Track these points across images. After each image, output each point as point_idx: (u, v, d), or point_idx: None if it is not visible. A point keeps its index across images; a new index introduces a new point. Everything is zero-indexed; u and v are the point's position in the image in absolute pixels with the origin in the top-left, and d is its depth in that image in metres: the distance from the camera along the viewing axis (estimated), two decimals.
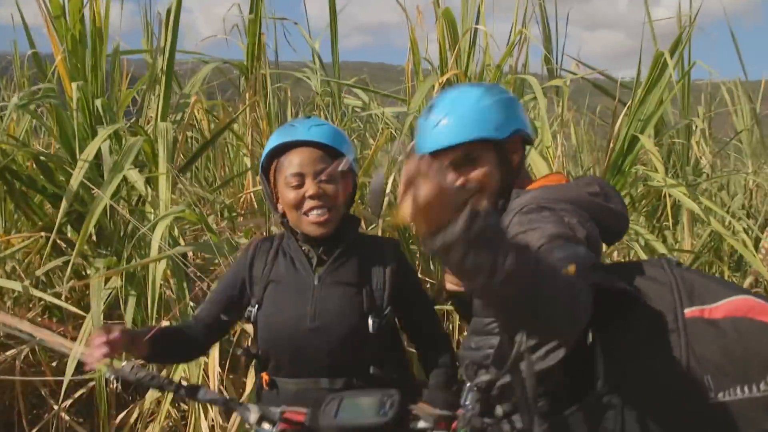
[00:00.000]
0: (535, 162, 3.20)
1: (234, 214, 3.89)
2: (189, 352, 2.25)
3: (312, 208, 1.98)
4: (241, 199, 4.14)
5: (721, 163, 6.29)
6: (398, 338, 2.23)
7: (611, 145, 3.89)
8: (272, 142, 2.05)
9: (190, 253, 3.52)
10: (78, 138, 3.33)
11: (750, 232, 4.18)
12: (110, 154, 3.25)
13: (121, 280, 3.12)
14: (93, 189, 3.15)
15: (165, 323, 3.37)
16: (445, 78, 3.51)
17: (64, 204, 3.02)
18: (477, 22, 3.82)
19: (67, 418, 3.41)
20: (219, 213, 4.19)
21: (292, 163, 2.00)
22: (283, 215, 2.08)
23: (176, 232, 3.28)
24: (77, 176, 3.03)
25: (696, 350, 1.51)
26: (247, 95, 3.98)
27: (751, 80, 6.31)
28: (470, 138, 1.77)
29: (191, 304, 3.11)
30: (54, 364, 3.61)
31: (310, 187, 1.97)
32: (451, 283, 1.96)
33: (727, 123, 6.35)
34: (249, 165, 4.32)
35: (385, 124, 4.30)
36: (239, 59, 4.13)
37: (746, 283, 4.42)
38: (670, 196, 3.84)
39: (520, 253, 1.22)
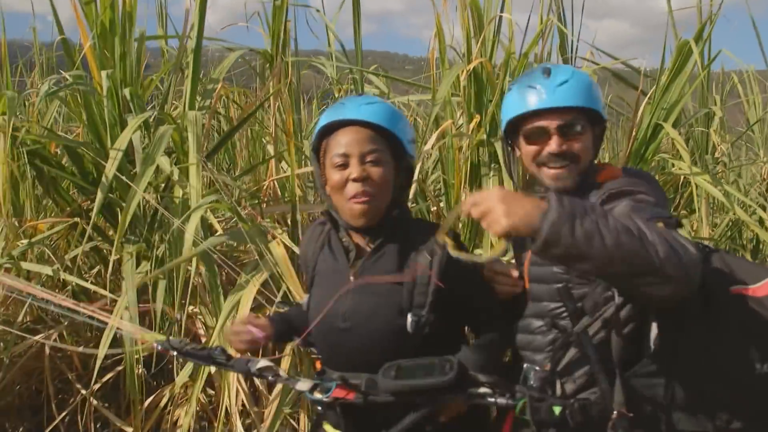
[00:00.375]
0: None
1: (257, 201, 3.90)
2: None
3: (355, 194, 1.86)
4: (264, 187, 4.15)
5: (733, 153, 6.30)
6: (455, 329, 2.07)
7: (633, 133, 3.91)
8: (321, 121, 1.95)
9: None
10: (108, 126, 3.35)
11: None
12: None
13: (151, 266, 3.13)
14: (122, 178, 3.16)
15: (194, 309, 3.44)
16: (471, 66, 3.52)
17: (99, 195, 3.03)
18: (501, 11, 3.83)
19: (95, 402, 3.44)
20: (239, 200, 4.21)
21: (339, 143, 1.89)
22: (330, 199, 1.96)
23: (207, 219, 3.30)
24: (111, 166, 3.04)
25: (743, 325, 1.63)
26: (271, 83, 3.99)
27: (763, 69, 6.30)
28: (589, 105, 1.86)
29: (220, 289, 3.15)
30: (80, 348, 3.63)
31: (354, 170, 1.85)
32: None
33: (739, 111, 6.37)
34: (272, 152, 4.35)
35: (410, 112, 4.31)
36: (254, 46, 4.17)
37: None
38: (692, 185, 3.85)
39: (614, 215, 1.43)
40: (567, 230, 1.41)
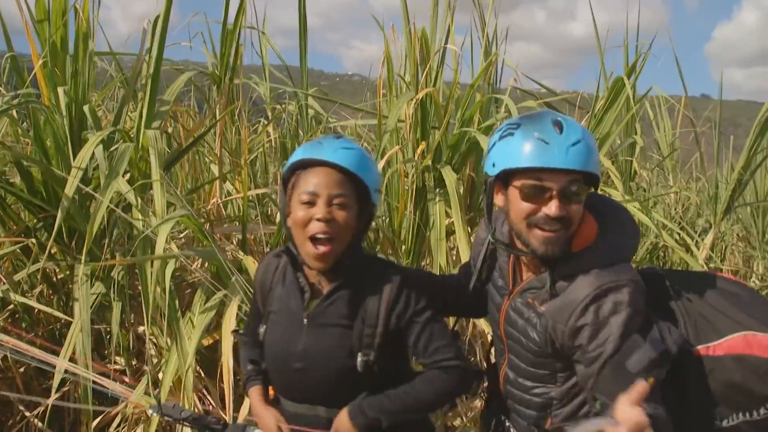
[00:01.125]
0: None
1: (206, 220, 3.92)
2: None
3: (317, 233, 1.89)
4: (209, 207, 4.17)
5: (649, 178, 6.67)
6: (402, 364, 2.11)
7: None
8: (296, 156, 1.98)
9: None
10: (58, 145, 3.33)
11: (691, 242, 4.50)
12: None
13: (114, 287, 3.13)
14: (77, 195, 3.14)
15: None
16: (421, 95, 3.65)
17: (60, 213, 2.99)
18: (446, 42, 3.99)
19: (39, 424, 3.38)
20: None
21: (309, 181, 1.92)
22: (290, 231, 1.99)
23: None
24: (73, 182, 3.02)
25: (704, 385, 1.74)
26: (218, 106, 4.04)
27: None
28: (594, 171, 1.79)
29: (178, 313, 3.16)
30: (22, 369, 3.57)
31: (320, 210, 1.89)
32: None
33: (645, 134, 6.76)
34: (215, 172, 4.38)
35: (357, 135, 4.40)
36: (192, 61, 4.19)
37: None
38: None
39: None
40: None
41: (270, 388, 2.18)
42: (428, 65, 3.87)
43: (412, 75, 3.97)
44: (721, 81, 5.59)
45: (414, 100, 3.65)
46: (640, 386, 1.43)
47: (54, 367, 2.74)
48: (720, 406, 1.77)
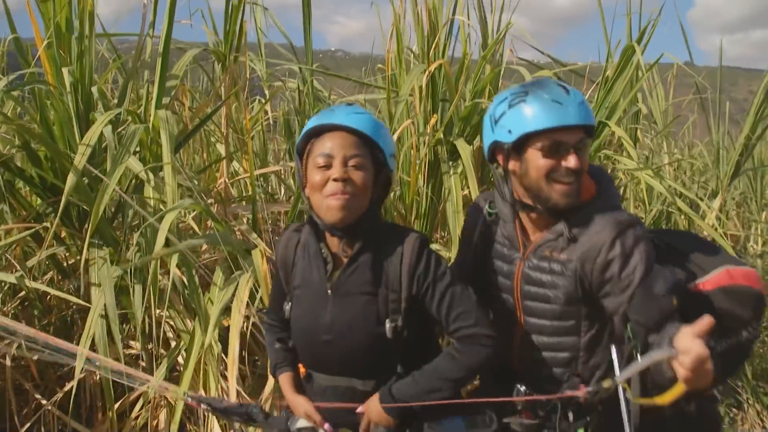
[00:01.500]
0: None
1: (220, 201, 3.86)
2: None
3: (334, 192, 1.89)
4: (217, 186, 4.11)
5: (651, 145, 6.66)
6: (431, 330, 2.13)
7: None
8: (309, 124, 1.98)
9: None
10: (67, 126, 3.25)
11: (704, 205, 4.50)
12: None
13: (130, 272, 3.06)
14: (94, 173, 3.06)
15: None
16: (433, 67, 3.60)
17: (67, 190, 2.88)
18: (454, 13, 3.93)
19: (57, 412, 3.33)
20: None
21: (325, 145, 1.92)
22: (309, 200, 1.99)
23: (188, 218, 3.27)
24: (80, 162, 2.94)
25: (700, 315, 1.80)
26: (224, 84, 3.96)
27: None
28: (594, 123, 1.98)
29: (199, 291, 3.12)
30: (35, 357, 3.51)
31: (336, 170, 1.89)
32: None
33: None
34: (221, 152, 4.31)
35: None
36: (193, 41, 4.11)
37: None
38: (632, 179, 4.08)
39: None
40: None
41: (300, 366, 2.17)
42: (437, 37, 3.81)
43: (420, 47, 3.92)
44: (721, 48, 5.58)
45: (426, 73, 3.59)
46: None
47: (72, 355, 2.68)
48: (714, 334, 1.86)
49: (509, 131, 1.97)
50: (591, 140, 2.01)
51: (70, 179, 2.84)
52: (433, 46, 3.80)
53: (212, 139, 4.56)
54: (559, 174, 1.93)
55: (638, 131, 5.16)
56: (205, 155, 4.57)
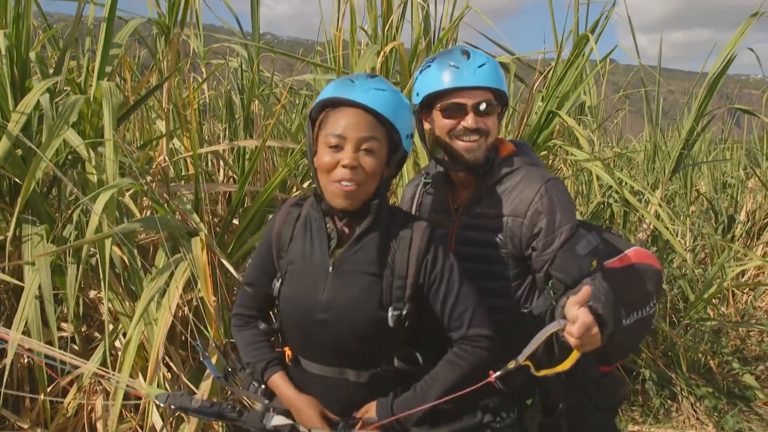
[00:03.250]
0: None
1: (149, 179, 3.70)
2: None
3: (342, 179, 1.80)
4: (156, 164, 3.94)
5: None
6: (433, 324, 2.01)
7: (524, 119, 4.10)
8: (326, 93, 1.87)
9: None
10: (7, 92, 3.05)
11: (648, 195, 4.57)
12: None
13: (68, 252, 2.89)
14: (28, 145, 2.87)
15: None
16: (389, 48, 3.53)
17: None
18: None
19: None
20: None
21: (338, 123, 1.81)
22: (316, 174, 1.90)
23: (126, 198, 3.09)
24: (15, 128, 2.76)
25: (613, 291, 1.98)
26: (165, 59, 3.79)
27: None
28: (500, 87, 2.12)
29: (141, 274, 2.98)
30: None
31: (347, 156, 1.79)
32: None
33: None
34: (162, 128, 4.14)
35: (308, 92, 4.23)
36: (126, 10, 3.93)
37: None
38: (576, 170, 4.11)
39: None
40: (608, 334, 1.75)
41: (286, 349, 2.05)
42: (390, 19, 3.74)
43: (373, 28, 3.84)
44: (660, 49, 5.64)
45: (381, 54, 3.51)
46: (585, 290, 1.62)
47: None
48: (623, 308, 2.19)
49: (417, 94, 2.17)
50: (497, 103, 2.13)
51: (2, 146, 2.65)
52: (386, 27, 3.73)
53: (152, 115, 4.37)
54: (459, 132, 2.09)
55: (580, 124, 5.19)
56: (144, 132, 4.37)
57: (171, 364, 3.16)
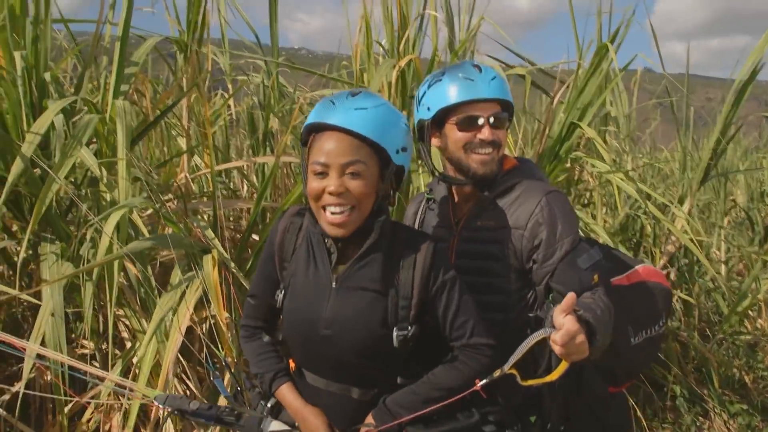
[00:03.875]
0: None
1: (179, 197, 3.72)
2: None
3: (330, 205, 1.79)
4: (177, 181, 3.97)
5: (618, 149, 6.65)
6: (435, 342, 1.99)
7: (546, 132, 4.04)
8: (310, 118, 1.84)
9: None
10: (18, 113, 3.08)
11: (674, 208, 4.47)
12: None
13: (82, 265, 2.91)
14: (39, 166, 2.90)
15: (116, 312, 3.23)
16: (404, 62, 3.51)
17: (11, 179, 2.72)
18: (424, 8, 3.84)
19: (4, 413, 3.17)
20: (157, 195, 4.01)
21: (321, 149, 1.78)
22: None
23: (135, 216, 3.10)
24: (27, 150, 2.78)
25: (621, 310, 1.97)
26: (185, 76, 3.82)
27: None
28: (510, 99, 2.13)
29: (156, 288, 2.99)
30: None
31: (332, 182, 1.76)
32: None
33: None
34: (182, 145, 4.17)
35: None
36: (155, 31, 3.97)
37: (660, 263, 4.73)
38: (601, 182, 4.04)
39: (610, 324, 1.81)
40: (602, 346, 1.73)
41: (290, 361, 2.03)
42: (407, 32, 3.72)
43: (390, 42, 3.82)
44: (687, 56, 5.53)
45: (396, 68, 3.49)
46: (569, 298, 1.58)
47: (22, 351, 2.52)
48: (631, 326, 2.18)
49: (428, 108, 2.13)
50: (507, 115, 2.14)
51: (15, 169, 2.68)
52: (403, 41, 3.71)
53: (173, 132, 4.40)
54: (475, 145, 2.08)
55: (606, 134, 5.11)
56: (165, 149, 4.41)
57: (188, 381, 3.17)
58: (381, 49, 3.97)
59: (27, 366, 2.58)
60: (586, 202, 5.11)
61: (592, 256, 2.02)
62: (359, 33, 3.83)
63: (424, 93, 2.16)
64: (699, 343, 4.70)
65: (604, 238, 3.81)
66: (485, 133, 2.06)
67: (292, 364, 2.02)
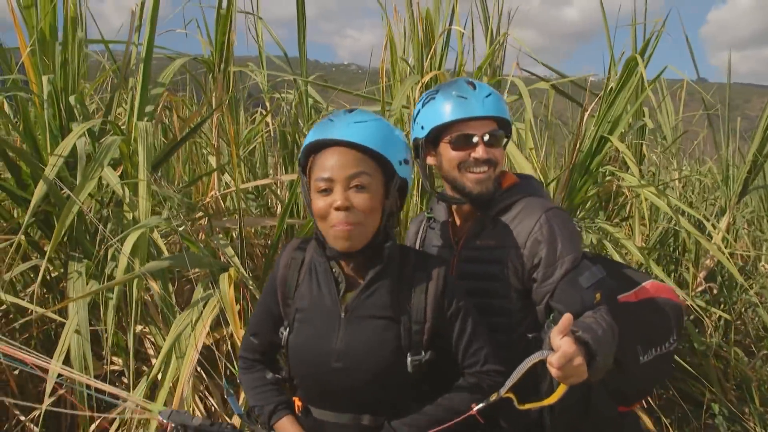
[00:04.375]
0: (519, 164, 3.23)
1: (203, 215, 3.77)
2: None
3: (337, 224, 1.75)
4: (207, 200, 4.02)
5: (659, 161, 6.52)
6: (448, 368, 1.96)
7: (577, 145, 3.98)
8: (308, 138, 1.82)
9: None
10: (45, 135, 3.16)
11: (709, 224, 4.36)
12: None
13: (102, 284, 2.97)
14: (63, 189, 2.98)
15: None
16: (427, 78, 3.50)
17: (34, 200, 2.79)
18: (450, 23, 3.83)
19: (35, 429, 3.24)
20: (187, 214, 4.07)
21: (324, 166, 1.76)
22: (315, 221, 1.85)
23: (155, 235, 3.14)
24: (50, 172, 2.85)
25: (629, 327, 1.96)
26: (214, 94, 3.87)
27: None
28: (506, 116, 2.09)
29: (177, 309, 3.02)
30: (16, 372, 3.42)
31: (338, 197, 1.74)
32: None
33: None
34: (213, 164, 4.22)
35: None
36: (190, 52, 4.02)
37: (700, 276, 4.61)
38: (642, 197, 3.96)
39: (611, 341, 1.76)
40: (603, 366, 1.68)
41: (296, 399, 1.98)
42: (432, 48, 3.71)
43: (416, 58, 3.82)
44: (729, 62, 5.42)
45: (420, 84, 3.49)
46: (566, 319, 1.54)
47: (45, 371, 2.58)
48: (640, 344, 2.11)
49: (422, 127, 2.10)
50: (504, 133, 2.11)
51: (38, 191, 2.76)
52: (429, 57, 3.70)
53: (204, 151, 4.46)
54: (469, 164, 2.04)
55: (644, 147, 5.01)
56: (196, 167, 4.47)
57: (211, 399, 3.19)
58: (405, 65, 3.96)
59: (49, 386, 2.62)
60: (625, 215, 5.02)
61: (595, 274, 1.95)
62: (385, 50, 3.83)
63: (419, 111, 2.14)
64: (739, 361, 4.56)
65: (634, 254, 3.73)
66: (479, 152, 2.02)
67: (298, 403, 1.97)
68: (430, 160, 2.16)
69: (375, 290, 1.84)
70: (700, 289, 4.71)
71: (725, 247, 4.23)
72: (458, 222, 2.23)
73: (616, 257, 3.66)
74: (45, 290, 3.59)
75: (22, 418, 3.25)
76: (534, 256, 2.00)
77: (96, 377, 3.21)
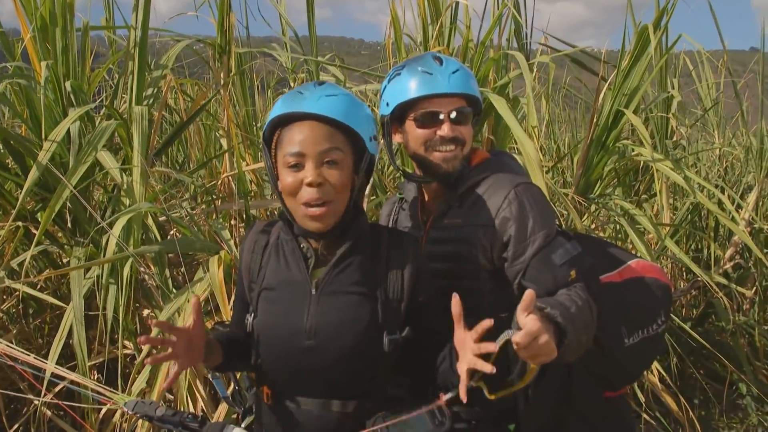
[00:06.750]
0: (520, 140, 3.12)
1: (212, 197, 3.76)
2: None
3: (309, 200, 1.67)
4: (219, 183, 4.01)
5: (690, 136, 6.31)
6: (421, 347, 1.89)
7: (594, 120, 3.86)
8: (275, 111, 1.72)
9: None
10: (47, 121, 3.17)
11: (732, 203, 4.20)
12: (81, 137, 3.11)
13: (100, 270, 2.98)
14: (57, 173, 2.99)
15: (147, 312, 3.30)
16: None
17: (27, 185, 2.81)
18: None
19: (48, 412, 3.28)
20: (196, 197, 4.08)
21: (293, 139, 1.68)
22: (282, 199, 1.75)
23: (149, 220, 3.15)
24: (43, 158, 2.86)
25: (612, 308, 1.92)
26: (221, 74, 3.85)
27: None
28: (475, 93, 2.02)
29: (174, 291, 3.03)
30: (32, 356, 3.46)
31: (309, 173, 1.65)
32: None
33: (692, 93, 6.36)
34: (225, 146, 4.21)
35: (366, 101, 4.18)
36: (208, 35, 3.99)
37: (727, 254, 4.45)
38: (654, 171, 3.83)
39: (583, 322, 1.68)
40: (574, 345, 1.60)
41: (264, 388, 1.86)
42: (439, 22, 3.63)
43: (423, 35, 3.74)
44: (762, 31, 5.20)
45: None
46: (528, 295, 1.46)
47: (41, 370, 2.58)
48: (624, 326, 2.02)
49: (387, 104, 2.04)
50: (473, 111, 2.03)
51: (32, 175, 2.77)
52: (436, 33, 3.62)
53: (218, 134, 4.45)
54: (435, 142, 1.97)
55: (669, 120, 4.83)
56: (207, 150, 4.47)
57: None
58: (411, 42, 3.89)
59: (45, 383, 2.63)
60: (654, 192, 4.87)
61: (569, 251, 1.86)
62: (390, 26, 3.76)
63: (385, 87, 2.06)
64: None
65: (650, 229, 3.62)
66: (445, 130, 1.95)
67: (266, 391, 1.86)
68: (396, 138, 2.10)
69: (347, 265, 1.77)
70: (728, 265, 4.55)
71: (755, 223, 4.06)
72: (428, 201, 2.16)
73: (632, 235, 3.54)
74: (61, 278, 3.63)
75: (36, 401, 3.29)
76: (503, 234, 1.91)
77: (109, 361, 3.26)
